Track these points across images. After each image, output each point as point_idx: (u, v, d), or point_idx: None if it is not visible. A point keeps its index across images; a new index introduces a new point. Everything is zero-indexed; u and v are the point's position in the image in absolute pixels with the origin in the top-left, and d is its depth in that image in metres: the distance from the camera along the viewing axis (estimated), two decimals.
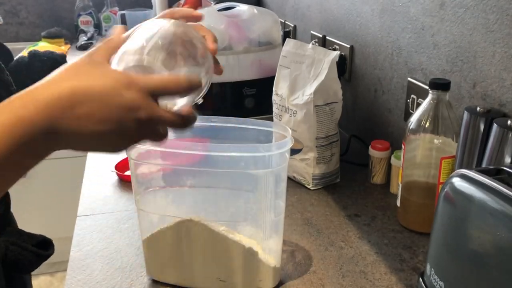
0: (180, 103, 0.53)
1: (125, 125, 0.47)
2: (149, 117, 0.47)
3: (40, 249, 0.61)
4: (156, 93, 0.48)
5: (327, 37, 1.39)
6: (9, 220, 0.62)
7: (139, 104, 0.47)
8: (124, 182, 1.01)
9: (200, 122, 0.67)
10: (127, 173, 1.04)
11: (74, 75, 0.47)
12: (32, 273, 0.68)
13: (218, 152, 0.62)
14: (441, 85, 0.75)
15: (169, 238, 0.67)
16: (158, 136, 0.51)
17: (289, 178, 1.01)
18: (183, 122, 0.51)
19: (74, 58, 0.50)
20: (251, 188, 0.64)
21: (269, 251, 0.66)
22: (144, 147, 0.63)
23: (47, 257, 0.62)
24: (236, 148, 0.61)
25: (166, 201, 0.69)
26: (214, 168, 0.64)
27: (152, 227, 0.68)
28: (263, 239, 0.65)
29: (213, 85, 1.29)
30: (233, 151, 0.61)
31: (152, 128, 0.50)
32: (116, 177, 1.02)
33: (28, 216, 2.13)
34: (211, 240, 0.65)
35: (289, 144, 0.63)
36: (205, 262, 0.67)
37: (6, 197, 0.60)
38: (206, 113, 0.67)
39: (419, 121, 0.77)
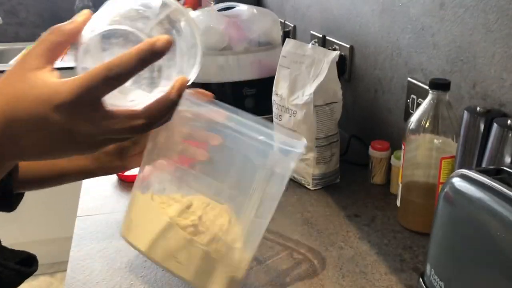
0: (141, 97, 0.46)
1: (73, 145, 0.43)
2: (89, 134, 0.43)
3: (24, 265, 0.57)
4: (91, 95, 0.41)
5: (327, 37, 1.39)
6: None
7: (70, 127, 0.42)
8: (124, 182, 1.01)
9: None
10: (127, 173, 1.04)
11: (4, 94, 0.43)
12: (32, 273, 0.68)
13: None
14: (441, 85, 0.75)
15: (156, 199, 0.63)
16: (130, 133, 0.44)
17: (289, 178, 1.01)
18: (147, 120, 0.44)
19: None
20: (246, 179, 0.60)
21: (232, 256, 0.60)
22: None
23: (29, 274, 0.58)
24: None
25: (170, 176, 0.65)
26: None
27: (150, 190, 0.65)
28: (234, 240, 0.60)
29: (212, 85, 1.30)
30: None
31: (109, 137, 0.44)
32: (116, 177, 1.02)
33: (28, 216, 2.14)
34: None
35: (296, 155, 0.59)
36: (168, 237, 0.61)
37: None
38: None
39: (419, 121, 0.77)
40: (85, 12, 0.48)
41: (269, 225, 0.85)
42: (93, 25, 0.46)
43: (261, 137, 0.56)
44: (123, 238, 0.65)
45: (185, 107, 0.57)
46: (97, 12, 0.48)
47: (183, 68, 0.51)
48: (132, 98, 0.46)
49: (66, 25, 0.46)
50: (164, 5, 0.49)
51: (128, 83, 0.44)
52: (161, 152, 0.64)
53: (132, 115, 0.44)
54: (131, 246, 0.64)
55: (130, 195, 0.67)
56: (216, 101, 0.59)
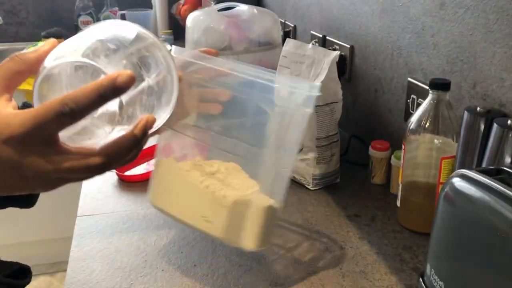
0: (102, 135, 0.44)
1: (23, 182, 0.41)
2: (41, 170, 0.40)
3: (16, 277, 0.56)
4: (43, 130, 0.39)
5: (327, 37, 1.39)
6: None
7: (20, 162, 0.40)
8: (124, 183, 1.01)
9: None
10: (127, 173, 1.04)
11: None
12: (32, 273, 0.68)
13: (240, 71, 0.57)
14: (441, 85, 0.75)
15: (175, 170, 0.65)
16: (85, 173, 0.43)
17: None
18: (105, 159, 0.42)
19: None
20: (247, 139, 0.60)
21: (259, 208, 0.62)
22: None
23: (21, 287, 0.57)
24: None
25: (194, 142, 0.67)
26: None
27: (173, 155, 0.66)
28: (254, 191, 0.61)
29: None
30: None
31: (63, 176, 0.42)
32: (116, 177, 1.02)
33: (28, 216, 2.14)
34: (205, 180, 0.63)
35: (312, 90, 0.58)
36: (195, 199, 0.64)
37: None
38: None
39: (419, 121, 0.77)
40: (51, 41, 0.46)
41: None
42: (57, 54, 0.44)
43: (276, 85, 0.55)
44: (153, 206, 0.70)
45: (192, 68, 0.58)
46: (64, 41, 0.46)
47: (151, 106, 0.49)
48: (90, 136, 0.44)
49: (28, 54, 0.44)
50: (137, 39, 0.46)
51: (88, 120, 0.42)
52: (178, 118, 0.64)
53: (88, 153, 0.41)
54: (161, 212, 0.69)
55: (154, 164, 0.70)
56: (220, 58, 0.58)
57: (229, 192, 0.62)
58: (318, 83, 0.60)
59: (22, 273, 0.58)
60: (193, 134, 0.66)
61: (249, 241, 0.63)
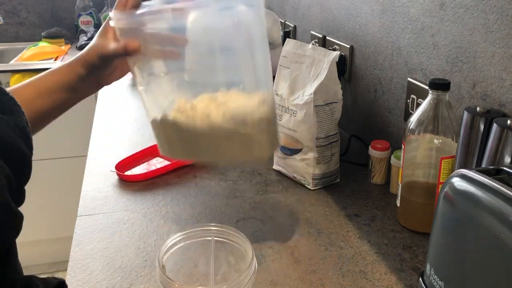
0: None
1: None
2: None
3: None
4: None
5: (327, 37, 1.39)
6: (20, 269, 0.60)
7: None
8: (124, 182, 1.01)
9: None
10: (127, 173, 1.04)
11: None
12: (33, 273, 0.68)
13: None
14: (441, 85, 0.75)
15: (178, 121, 0.68)
16: None
17: (289, 178, 1.01)
18: None
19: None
20: (231, 44, 0.64)
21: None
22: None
23: None
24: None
25: (172, 86, 0.70)
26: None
27: (161, 109, 0.69)
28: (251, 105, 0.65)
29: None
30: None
31: None
32: (116, 177, 1.02)
33: (28, 216, 2.14)
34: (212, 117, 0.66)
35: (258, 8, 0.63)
36: (205, 137, 0.67)
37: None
38: None
39: (419, 121, 0.77)
40: None
41: (269, 225, 0.85)
42: None
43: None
44: (165, 155, 0.77)
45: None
46: None
47: None
48: None
49: None
50: None
51: None
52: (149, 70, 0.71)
53: None
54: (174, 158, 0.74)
55: (151, 125, 0.73)
56: None
57: (228, 114, 0.65)
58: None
59: (60, 286, 0.59)
60: (169, 81, 0.70)
61: (263, 148, 0.66)
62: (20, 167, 0.51)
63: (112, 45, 0.70)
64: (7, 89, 0.68)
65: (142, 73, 0.71)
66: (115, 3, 0.72)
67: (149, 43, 0.67)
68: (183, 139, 0.69)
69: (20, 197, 0.51)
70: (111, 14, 0.69)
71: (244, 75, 0.65)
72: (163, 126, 0.70)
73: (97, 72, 0.74)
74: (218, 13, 0.61)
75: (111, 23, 0.70)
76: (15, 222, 0.49)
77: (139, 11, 0.69)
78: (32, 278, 0.55)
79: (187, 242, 0.61)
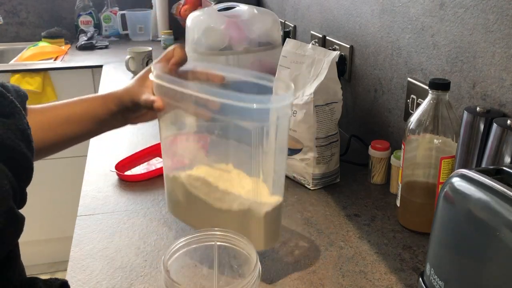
0: None
1: None
2: None
3: None
4: None
5: (327, 37, 1.39)
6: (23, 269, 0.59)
7: None
8: (125, 182, 1.01)
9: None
10: (127, 172, 1.04)
11: None
12: (32, 273, 0.68)
13: (208, 95, 0.62)
14: (441, 85, 0.75)
15: (188, 182, 0.70)
16: None
17: (289, 178, 1.01)
18: None
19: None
20: (247, 140, 0.64)
21: (263, 210, 0.65)
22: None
23: None
24: (224, 95, 0.60)
25: (197, 146, 0.72)
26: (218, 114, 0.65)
27: (182, 168, 0.71)
28: (258, 195, 0.65)
29: (213, 86, 1.30)
30: (221, 96, 0.60)
31: None
32: (116, 177, 1.02)
33: (28, 216, 2.14)
34: (212, 192, 0.68)
35: (287, 99, 0.62)
36: (204, 210, 0.69)
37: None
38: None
39: (419, 121, 0.77)
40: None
41: None
42: None
43: (254, 105, 0.59)
44: (171, 213, 0.78)
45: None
46: None
47: None
48: None
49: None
50: None
51: None
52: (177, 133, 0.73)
53: None
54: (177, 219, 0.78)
55: (165, 177, 0.76)
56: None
57: (234, 199, 0.66)
58: (291, 87, 0.65)
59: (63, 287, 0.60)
60: (196, 139, 0.71)
61: (259, 241, 0.66)
62: (22, 170, 0.51)
63: (144, 96, 0.72)
64: (37, 106, 0.70)
65: (169, 127, 0.73)
66: (161, 56, 0.74)
67: (182, 103, 0.68)
68: (187, 203, 0.72)
69: (22, 200, 0.52)
70: (153, 66, 0.71)
71: (263, 170, 0.65)
72: (173, 184, 0.73)
73: (128, 112, 0.76)
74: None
75: (150, 76, 0.71)
76: (18, 226, 0.49)
77: (183, 68, 0.72)
78: (35, 279, 0.56)
79: (191, 247, 0.61)
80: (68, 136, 0.75)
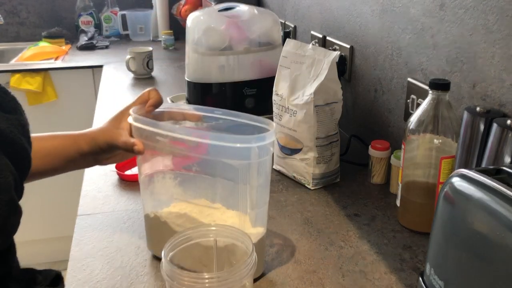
0: None
1: None
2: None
3: (54, 284, 0.61)
4: None
5: (327, 38, 1.40)
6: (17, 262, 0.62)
7: None
8: (125, 182, 1.01)
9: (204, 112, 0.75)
10: (128, 172, 1.04)
11: None
12: None
13: (197, 137, 0.63)
14: (441, 86, 0.75)
15: (170, 220, 0.70)
16: None
17: (289, 178, 1.01)
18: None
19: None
20: (233, 178, 0.66)
21: (247, 243, 0.65)
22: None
23: None
24: (215, 137, 0.62)
25: (174, 183, 0.72)
26: (203, 155, 0.67)
27: (157, 205, 0.72)
28: (243, 228, 0.66)
29: (213, 85, 1.30)
30: (213, 139, 0.62)
31: None
32: (116, 177, 1.03)
33: (29, 215, 2.14)
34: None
35: (268, 138, 0.64)
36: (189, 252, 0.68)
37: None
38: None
39: (419, 121, 0.77)
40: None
41: (269, 225, 0.85)
42: None
43: (238, 145, 0.62)
44: (150, 251, 0.77)
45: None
46: None
47: None
48: None
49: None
50: None
51: None
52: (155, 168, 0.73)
53: None
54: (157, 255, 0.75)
55: (145, 217, 0.76)
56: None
57: (219, 236, 0.67)
58: (272, 125, 0.68)
59: (57, 279, 0.62)
60: (172, 177, 0.72)
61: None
62: (22, 164, 0.53)
63: (123, 138, 0.71)
64: None
65: (147, 166, 0.73)
66: (136, 99, 0.75)
67: (159, 144, 0.69)
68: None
69: (21, 193, 0.53)
70: (131, 110, 0.71)
71: (243, 207, 0.67)
72: (153, 223, 0.73)
73: (100, 153, 0.75)
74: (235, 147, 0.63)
75: (129, 119, 0.71)
76: (18, 217, 0.52)
77: (159, 109, 0.74)
78: (31, 270, 0.58)
79: (190, 242, 0.61)
80: (35, 170, 0.70)
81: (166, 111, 0.76)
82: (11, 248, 0.55)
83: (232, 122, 0.72)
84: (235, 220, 0.68)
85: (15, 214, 0.50)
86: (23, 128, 0.53)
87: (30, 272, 0.58)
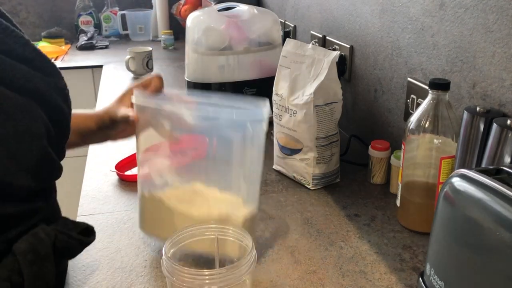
0: None
1: None
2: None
3: (83, 235, 0.66)
4: None
5: (327, 37, 1.40)
6: (57, 208, 0.74)
7: None
8: (125, 182, 1.01)
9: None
10: (127, 172, 1.04)
11: None
12: None
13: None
14: (441, 85, 0.75)
15: (166, 202, 0.72)
16: None
17: (289, 178, 1.01)
18: None
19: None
20: (227, 152, 0.69)
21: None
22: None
23: (88, 243, 0.67)
24: (212, 110, 0.66)
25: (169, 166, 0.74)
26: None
27: (153, 186, 0.74)
28: (236, 208, 0.69)
29: (213, 85, 1.30)
30: (209, 111, 0.66)
31: None
32: (116, 177, 1.03)
33: None
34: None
35: (263, 111, 0.66)
36: (185, 221, 0.70)
37: (54, 188, 0.73)
38: None
39: (419, 121, 0.77)
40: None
41: (269, 225, 0.85)
42: None
43: (234, 116, 0.65)
44: (142, 231, 0.78)
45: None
46: None
47: None
48: None
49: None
50: None
51: None
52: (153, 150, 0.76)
53: None
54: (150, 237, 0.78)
55: (138, 195, 0.77)
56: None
57: (213, 212, 0.69)
58: (266, 104, 0.70)
59: (88, 231, 0.68)
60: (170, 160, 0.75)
61: (234, 250, 0.66)
62: (59, 123, 0.62)
63: (122, 111, 0.79)
64: None
65: (145, 141, 0.76)
66: (139, 81, 0.83)
67: (159, 121, 0.73)
68: (164, 220, 0.73)
69: (61, 152, 0.65)
70: (135, 92, 0.78)
71: (237, 185, 0.70)
72: (148, 204, 0.75)
73: (106, 130, 0.83)
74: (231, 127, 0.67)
75: (132, 99, 0.76)
76: (53, 168, 0.63)
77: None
78: (67, 220, 0.68)
79: (191, 240, 0.61)
80: None
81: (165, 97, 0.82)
82: (50, 196, 0.68)
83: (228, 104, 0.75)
84: (227, 200, 0.69)
85: (48, 164, 0.59)
86: (61, 90, 0.62)
87: (65, 220, 0.67)
